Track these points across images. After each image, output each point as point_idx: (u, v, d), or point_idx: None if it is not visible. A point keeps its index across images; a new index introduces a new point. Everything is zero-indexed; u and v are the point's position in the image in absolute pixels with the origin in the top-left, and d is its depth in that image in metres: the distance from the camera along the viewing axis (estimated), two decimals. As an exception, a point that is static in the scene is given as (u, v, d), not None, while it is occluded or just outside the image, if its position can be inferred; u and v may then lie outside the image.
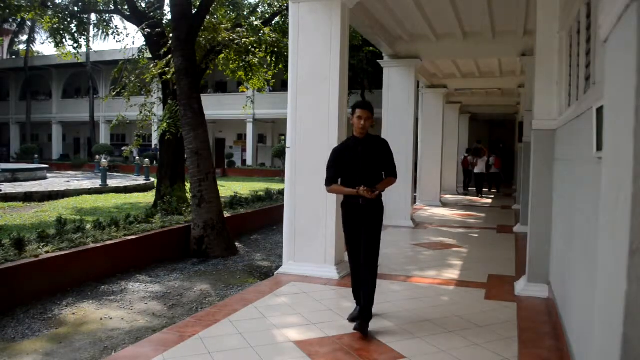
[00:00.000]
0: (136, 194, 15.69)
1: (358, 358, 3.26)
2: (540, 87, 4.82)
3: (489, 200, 15.10)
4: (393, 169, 3.99)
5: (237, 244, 7.65)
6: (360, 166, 3.82)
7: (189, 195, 8.44)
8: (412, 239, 7.99)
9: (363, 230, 3.84)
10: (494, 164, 16.26)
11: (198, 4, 8.34)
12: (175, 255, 6.81)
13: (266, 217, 9.95)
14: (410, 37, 9.26)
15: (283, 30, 11.04)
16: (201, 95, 7.60)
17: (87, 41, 16.69)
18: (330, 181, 3.92)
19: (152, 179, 17.13)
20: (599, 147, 2.28)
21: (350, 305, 4.44)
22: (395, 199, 9.22)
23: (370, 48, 14.64)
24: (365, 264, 3.79)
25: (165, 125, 9.28)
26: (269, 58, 11.40)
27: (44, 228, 6.29)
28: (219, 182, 7.97)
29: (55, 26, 11.26)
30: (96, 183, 16.81)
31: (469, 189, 17.49)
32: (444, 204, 13.03)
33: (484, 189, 16.51)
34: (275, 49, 11.04)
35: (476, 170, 15.92)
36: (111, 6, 12.18)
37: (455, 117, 16.68)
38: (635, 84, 1.04)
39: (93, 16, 13.95)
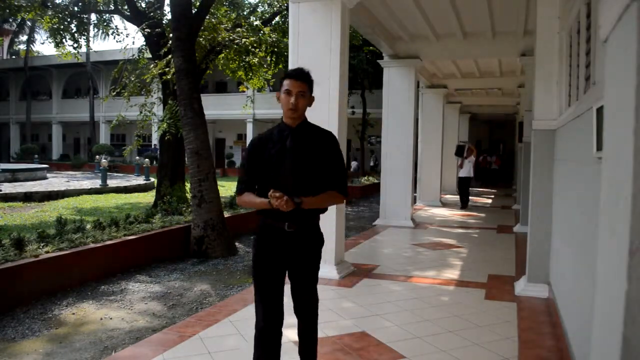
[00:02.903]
0: (136, 194, 15.69)
1: (358, 358, 3.26)
2: (540, 87, 4.82)
3: (489, 200, 15.09)
4: (340, 180, 2.59)
5: (237, 244, 7.65)
6: (287, 168, 2.49)
7: (189, 195, 8.44)
8: (412, 239, 7.99)
9: (291, 273, 2.60)
10: (495, 162, 16.39)
11: (198, 4, 8.34)
12: (175, 255, 6.81)
13: (266, 217, 9.94)
14: (410, 37, 9.26)
15: (283, 30, 11.05)
16: (201, 95, 7.60)
17: (87, 41, 16.68)
18: (242, 188, 2.59)
19: (152, 179, 17.14)
20: (599, 147, 2.28)
21: (350, 305, 4.45)
22: (395, 199, 9.25)
23: (370, 48, 14.64)
24: (302, 320, 2.65)
25: (165, 125, 9.29)
26: (269, 58, 11.41)
27: (44, 228, 6.28)
28: (219, 182, 7.97)
29: (55, 26, 11.27)
30: (96, 183, 16.82)
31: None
32: (444, 204, 13.03)
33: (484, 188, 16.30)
34: (275, 49, 11.05)
35: (461, 174, 12.64)
36: (111, 6, 12.20)
37: (455, 117, 16.68)
38: (635, 84, 1.04)
39: (93, 16, 13.96)
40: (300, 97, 2.48)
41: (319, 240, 2.64)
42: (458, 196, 13.14)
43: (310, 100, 2.57)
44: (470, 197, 13.11)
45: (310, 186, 2.49)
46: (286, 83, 2.50)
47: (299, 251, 2.55)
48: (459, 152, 12.56)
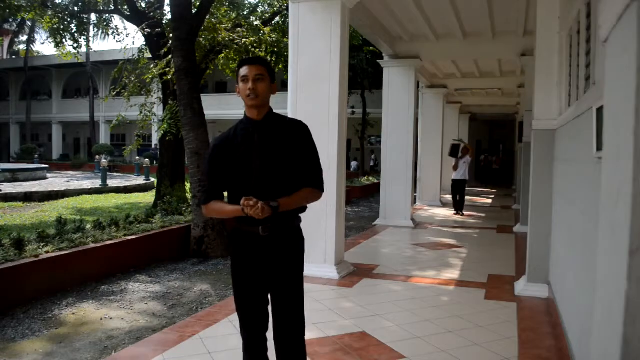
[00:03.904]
0: (136, 194, 15.69)
1: (358, 358, 3.26)
2: (540, 87, 4.83)
3: (489, 200, 15.08)
4: (316, 174, 2.32)
5: (237, 244, 7.65)
6: (257, 169, 2.21)
7: (189, 195, 8.44)
8: (412, 239, 7.99)
9: (272, 280, 2.27)
10: (495, 162, 16.49)
11: (198, 4, 8.34)
12: (175, 255, 6.81)
13: (266, 217, 9.94)
14: (410, 37, 9.26)
15: (283, 30, 11.04)
16: (201, 95, 7.60)
17: (87, 41, 16.70)
18: (208, 196, 2.30)
19: (152, 179, 17.13)
20: (599, 147, 2.28)
21: (350, 305, 4.45)
22: (395, 199, 9.25)
23: (370, 48, 14.64)
24: (285, 336, 2.30)
25: (166, 125, 9.30)
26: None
27: (44, 228, 6.28)
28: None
29: (55, 26, 11.28)
30: (96, 183, 16.83)
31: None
32: (444, 204, 13.03)
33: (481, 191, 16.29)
34: (275, 49, 11.04)
35: (455, 177, 11.08)
36: (111, 6, 12.20)
37: (455, 117, 16.69)
38: (635, 84, 1.04)
39: (93, 16, 13.97)
40: (259, 81, 2.20)
41: (299, 244, 2.32)
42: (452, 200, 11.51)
43: (273, 88, 2.28)
44: (467, 198, 11.99)
45: (285, 186, 2.21)
46: (241, 70, 2.23)
47: (277, 258, 2.24)
48: (453, 152, 11.12)
